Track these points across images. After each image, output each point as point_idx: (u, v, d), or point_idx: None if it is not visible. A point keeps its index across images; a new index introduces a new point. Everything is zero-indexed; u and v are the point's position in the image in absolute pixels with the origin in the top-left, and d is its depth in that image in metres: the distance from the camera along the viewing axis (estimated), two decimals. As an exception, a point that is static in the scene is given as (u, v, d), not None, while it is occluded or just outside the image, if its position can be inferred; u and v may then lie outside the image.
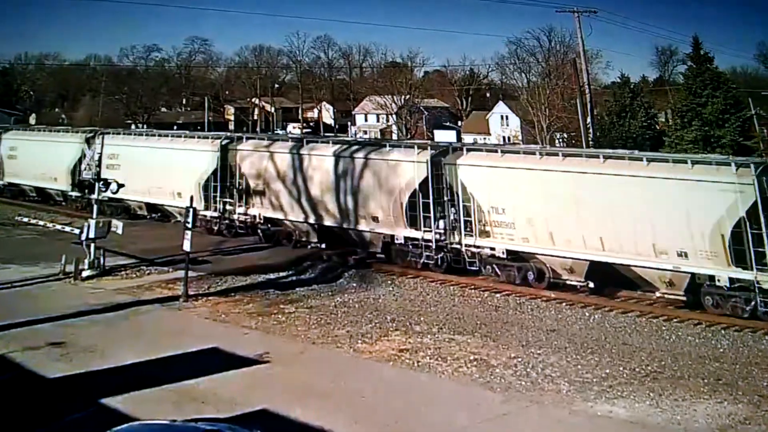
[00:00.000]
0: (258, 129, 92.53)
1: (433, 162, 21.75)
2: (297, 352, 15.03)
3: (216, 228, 27.69)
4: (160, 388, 12.50)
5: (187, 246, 19.17)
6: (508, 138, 69.00)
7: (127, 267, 22.29)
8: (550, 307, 18.80)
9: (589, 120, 38.48)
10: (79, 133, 34.75)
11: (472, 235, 21.06)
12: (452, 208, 21.45)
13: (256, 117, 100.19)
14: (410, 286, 21.06)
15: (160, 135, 32.66)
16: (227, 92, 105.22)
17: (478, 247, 20.96)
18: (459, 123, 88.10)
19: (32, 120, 74.85)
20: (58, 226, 26.08)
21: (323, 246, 24.60)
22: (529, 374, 13.71)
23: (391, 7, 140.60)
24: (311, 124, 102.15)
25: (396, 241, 22.65)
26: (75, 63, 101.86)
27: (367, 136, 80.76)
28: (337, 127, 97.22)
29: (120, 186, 22.80)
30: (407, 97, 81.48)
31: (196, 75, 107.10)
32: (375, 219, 23.08)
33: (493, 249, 20.68)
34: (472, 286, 20.73)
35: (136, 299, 18.80)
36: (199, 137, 30.86)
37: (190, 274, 19.60)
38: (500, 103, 77.68)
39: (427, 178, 21.72)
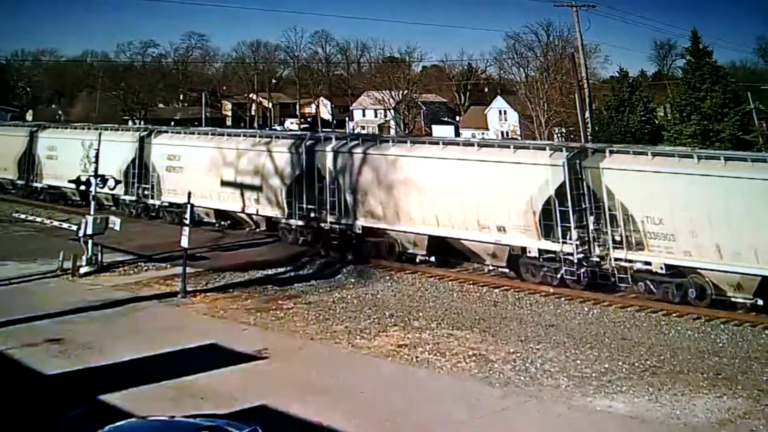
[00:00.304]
0: (256, 125, 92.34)
1: (570, 165, 19.29)
2: (295, 348, 15.01)
3: (302, 238, 24.91)
4: (158, 385, 12.48)
5: (184, 242, 19.13)
6: (507, 133, 68.97)
7: (125, 263, 22.26)
8: (548, 302, 18.77)
9: (587, 114, 38.41)
10: (132, 132, 32.29)
11: (621, 248, 18.58)
12: (591, 217, 19.05)
13: (253, 113, 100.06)
14: (408, 282, 21.03)
15: (229, 135, 29.45)
16: (224, 88, 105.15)
17: (630, 261, 18.49)
18: (457, 118, 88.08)
19: (29, 116, 74.61)
20: (56, 223, 26.00)
21: (432, 259, 22.27)
22: (528, 369, 13.69)
23: (389, 2, 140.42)
24: (309, 119, 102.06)
25: (528, 254, 20.11)
26: (72, 59, 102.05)
27: (365, 132, 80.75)
28: (335, 122, 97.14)
29: (117, 182, 22.71)
30: (405, 92, 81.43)
31: (193, 71, 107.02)
32: (501, 229, 20.34)
33: (648, 263, 18.28)
34: (471, 282, 20.72)
35: (134, 295, 18.77)
36: (278, 137, 27.51)
37: (188, 270, 19.59)
38: (498, 98, 77.68)
39: (564, 183, 19.19)
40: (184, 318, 17.22)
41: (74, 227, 22.60)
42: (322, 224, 24.20)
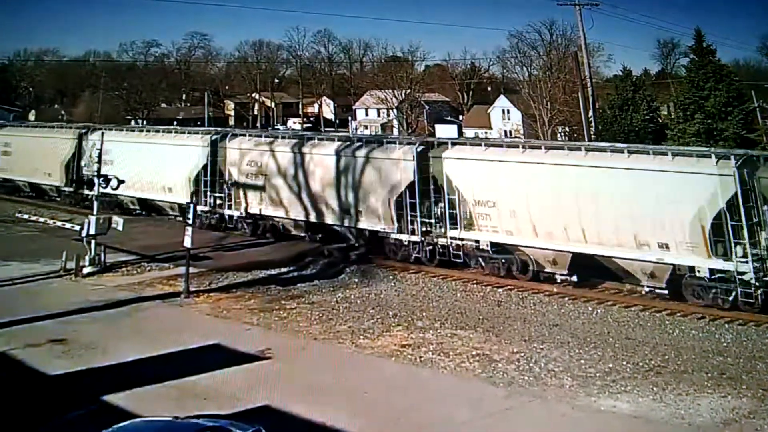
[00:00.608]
0: (258, 124, 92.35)
1: (740, 174, 17.10)
2: (299, 348, 15.01)
3: (415, 254, 22.26)
4: (161, 385, 12.49)
5: (187, 242, 19.13)
6: (510, 132, 68.91)
7: (128, 263, 22.25)
8: (552, 302, 18.74)
9: (591, 113, 38.38)
10: (201, 135, 29.33)
11: None
12: (763, 232, 17.20)
13: (256, 112, 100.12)
14: (412, 281, 21.00)
15: (320, 140, 26.13)
16: (227, 87, 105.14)
17: None
18: (460, 117, 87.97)
19: (32, 116, 74.71)
20: (59, 223, 26.03)
21: (573, 279, 19.74)
22: (532, 369, 13.67)
23: (391, 1, 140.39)
24: (312, 119, 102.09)
25: (696, 274, 17.72)
26: (74, 59, 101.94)
27: (367, 131, 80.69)
28: (337, 122, 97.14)
29: (120, 182, 22.69)
30: (408, 91, 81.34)
31: (195, 70, 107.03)
32: (664, 246, 17.98)
33: None
34: (474, 281, 20.67)
35: (137, 296, 18.77)
36: (380, 142, 24.34)
37: (191, 270, 19.56)
38: (501, 96, 77.60)
39: (736, 194, 17.12)
40: (188, 318, 17.22)
41: (77, 227, 22.63)
42: (440, 239, 21.74)
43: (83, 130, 34.42)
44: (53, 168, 34.66)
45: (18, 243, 25.50)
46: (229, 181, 27.23)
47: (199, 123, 69.47)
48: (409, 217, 22.23)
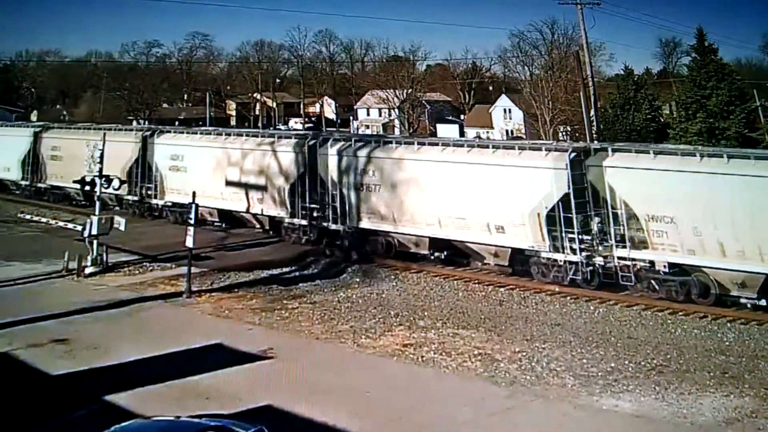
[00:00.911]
0: (260, 124, 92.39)
1: None
2: (301, 348, 15.02)
3: (572, 275, 19.47)
4: (163, 385, 12.50)
5: (189, 242, 19.15)
6: (511, 131, 68.94)
7: (130, 264, 22.28)
8: (554, 301, 18.72)
9: (592, 113, 38.32)
10: (295, 139, 26.32)
11: None
12: None
13: (257, 112, 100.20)
14: (414, 281, 21.00)
15: (444, 145, 22.80)
16: (228, 87, 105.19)
17: None
18: (462, 117, 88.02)
19: (33, 117, 74.81)
20: (61, 223, 26.08)
21: (762, 303, 17.25)
22: (534, 368, 13.66)
23: (393, 0, 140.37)
24: (313, 119, 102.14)
25: None
26: (76, 59, 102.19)
27: (369, 131, 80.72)
28: (339, 121, 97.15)
29: (122, 182, 22.70)
30: (409, 91, 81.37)
31: (197, 70, 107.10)
32: None
33: None
34: (476, 281, 20.66)
35: (139, 296, 18.80)
36: (523, 148, 21.35)
37: (193, 270, 19.60)
38: (503, 96, 77.66)
39: None
40: (189, 318, 17.24)
41: (79, 227, 22.67)
42: (598, 258, 19.25)
43: (147, 133, 31.32)
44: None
45: (20, 243, 25.56)
46: (332, 191, 24.40)
47: (201, 123, 69.44)
48: (564, 234, 19.53)
